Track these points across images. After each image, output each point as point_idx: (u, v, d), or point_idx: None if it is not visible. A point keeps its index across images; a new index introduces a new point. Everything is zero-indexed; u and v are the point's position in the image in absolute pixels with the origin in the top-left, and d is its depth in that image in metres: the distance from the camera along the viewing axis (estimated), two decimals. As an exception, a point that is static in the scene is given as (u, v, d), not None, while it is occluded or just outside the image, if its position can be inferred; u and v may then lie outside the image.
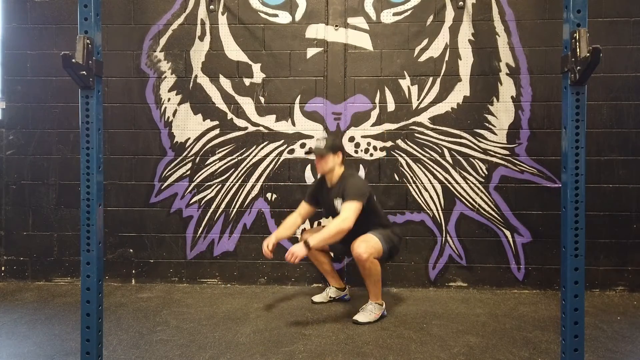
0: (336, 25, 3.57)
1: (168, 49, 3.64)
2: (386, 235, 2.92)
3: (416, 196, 3.56)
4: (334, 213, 3.00)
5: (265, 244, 2.97)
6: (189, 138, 3.65)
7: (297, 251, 2.65)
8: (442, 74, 3.54)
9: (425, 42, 3.55)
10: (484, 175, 3.54)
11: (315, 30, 3.58)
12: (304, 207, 3.18)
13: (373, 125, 3.56)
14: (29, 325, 2.80)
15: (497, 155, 3.53)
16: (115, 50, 3.63)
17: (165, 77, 3.65)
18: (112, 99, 3.64)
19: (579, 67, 1.58)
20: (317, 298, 3.23)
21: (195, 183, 3.65)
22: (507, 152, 3.53)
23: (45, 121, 3.68)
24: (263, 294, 3.44)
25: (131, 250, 3.68)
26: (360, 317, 2.84)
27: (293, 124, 3.60)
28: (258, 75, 3.61)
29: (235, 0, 3.61)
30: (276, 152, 3.61)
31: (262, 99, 3.61)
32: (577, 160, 1.65)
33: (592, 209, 3.43)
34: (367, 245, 2.79)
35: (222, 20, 3.62)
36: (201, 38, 3.63)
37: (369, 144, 3.56)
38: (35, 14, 3.67)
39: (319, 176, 3.17)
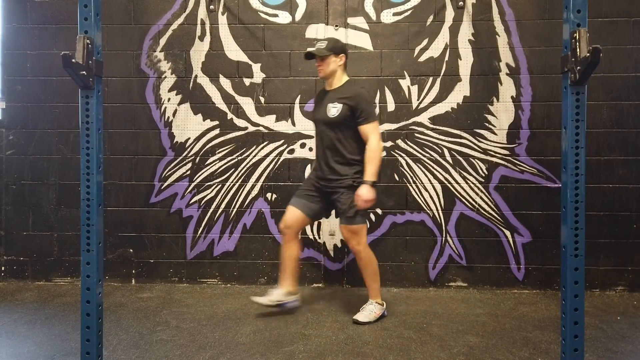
0: (336, 25, 3.57)
1: (168, 49, 3.64)
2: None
3: (416, 196, 3.56)
4: (323, 118, 2.82)
5: None
6: (189, 138, 3.65)
7: (369, 195, 2.67)
8: (442, 74, 3.54)
9: (425, 42, 3.55)
10: (484, 175, 3.54)
11: (315, 30, 3.58)
12: None
13: (373, 125, 3.56)
14: (29, 325, 2.80)
15: (497, 155, 3.53)
16: (115, 50, 3.63)
17: (165, 77, 3.65)
18: (112, 99, 3.64)
19: (579, 67, 1.58)
20: (260, 300, 2.92)
21: (195, 183, 3.65)
22: (507, 152, 3.53)
23: (45, 121, 3.68)
24: (263, 294, 3.43)
25: (131, 250, 3.68)
26: (360, 316, 2.84)
27: (293, 124, 3.60)
28: (258, 75, 3.61)
29: (235, 0, 3.61)
30: (276, 152, 3.61)
31: (262, 99, 3.61)
32: (577, 160, 1.65)
33: (592, 209, 3.43)
34: (355, 237, 2.80)
35: (222, 20, 3.62)
36: (201, 38, 3.63)
37: (369, 144, 3.55)
38: (35, 14, 3.67)
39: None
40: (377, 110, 2.88)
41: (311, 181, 2.96)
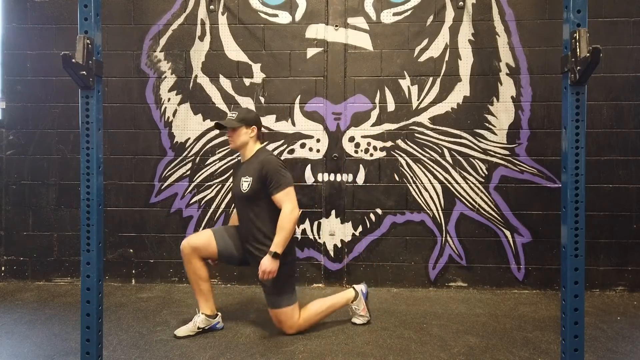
0: (336, 25, 3.57)
1: (168, 49, 3.64)
2: (284, 281, 2.58)
3: (416, 196, 3.56)
4: (237, 192, 2.66)
5: None
6: (189, 138, 3.65)
7: (269, 266, 2.42)
8: (442, 74, 3.54)
9: (425, 42, 3.55)
10: (484, 175, 3.54)
11: (315, 30, 3.58)
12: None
13: (373, 125, 3.56)
14: (29, 325, 2.80)
15: (497, 155, 3.53)
16: (115, 50, 3.63)
17: (165, 77, 3.65)
18: (112, 99, 3.64)
19: (579, 67, 1.58)
20: (181, 332, 2.63)
21: (195, 183, 3.65)
22: (507, 152, 3.53)
23: (45, 121, 3.68)
24: (263, 294, 3.43)
25: (131, 250, 3.68)
26: (355, 320, 2.83)
27: (293, 124, 3.60)
28: (258, 75, 3.61)
29: (235, 0, 3.61)
30: (276, 152, 3.60)
31: (262, 99, 3.61)
32: (577, 160, 1.65)
33: (592, 209, 3.43)
34: (285, 323, 2.60)
35: (222, 20, 3.62)
36: (201, 38, 3.63)
37: (369, 144, 3.56)
38: (35, 14, 3.67)
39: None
40: (289, 175, 2.59)
41: (237, 235, 2.74)
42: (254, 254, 2.61)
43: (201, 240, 2.67)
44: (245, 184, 2.59)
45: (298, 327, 2.64)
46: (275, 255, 2.45)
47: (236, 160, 3.61)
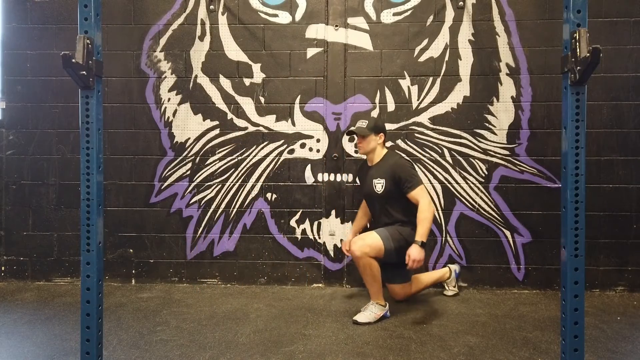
0: (336, 26, 3.57)
1: (168, 49, 3.64)
2: (397, 235, 2.92)
3: (416, 196, 3.56)
4: (370, 193, 3.05)
5: (345, 247, 3.30)
6: (189, 138, 3.65)
7: (419, 255, 2.73)
8: (442, 74, 3.54)
9: (425, 42, 3.55)
10: (484, 175, 3.54)
11: (315, 30, 3.58)
12: (364, 203, 3.31)
13: (373, 125, 3.56)
14: (29, 325, 2.80)
15: (497, 155, 3.53)
16: (115, 50, 3.63)
17: (165, 77, 3.65)
18: (112, 99, 3.64)
19: (579, 67, 1.58)
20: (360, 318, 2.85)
21: (195, 183, 3.65)
22: (507, 152, 3.53)
23: (45, 121, 3.68)
24: (263, 294, 3.44)
25: (131, 250, 3.68)
26: (360, 317, 2.84)
27: (293, 124, 3.60)
28: (258, 75, 3.61)
29: (235, 0, 3.61)
30: (276, 152, 3.61)
31: (262, 99, 3.61)
32: (577, 160, 1.65)
33: (592, 209, 3.43)
34: (363, 244, 2.84)
35: (222, 20, 3.62)
36: (201, 38, 3.63)
37: (369, 144, 3.56)
38: (35, 14, 3.67)
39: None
40: (420, 176, 3.06)
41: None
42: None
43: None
44: (379, 185, 2.99)
45: (361, 256, 2.84)
46: (422, 245, 2.77)
47: (236, 160, 3.61)
